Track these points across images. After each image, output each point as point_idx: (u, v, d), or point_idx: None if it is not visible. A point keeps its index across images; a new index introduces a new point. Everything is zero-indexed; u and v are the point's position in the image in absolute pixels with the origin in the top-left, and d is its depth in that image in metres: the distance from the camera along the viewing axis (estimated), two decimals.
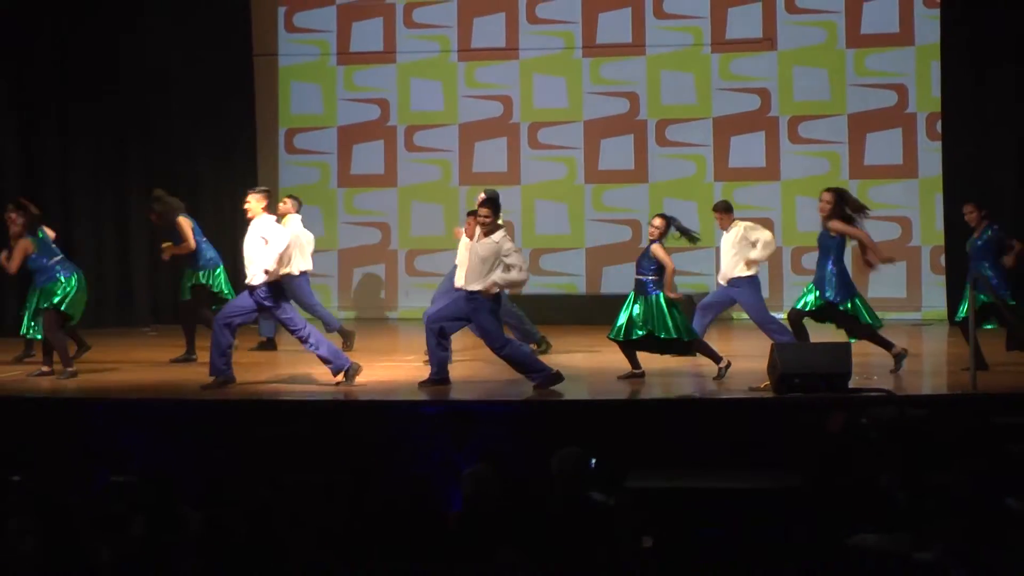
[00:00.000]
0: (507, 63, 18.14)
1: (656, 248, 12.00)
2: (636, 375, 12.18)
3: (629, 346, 12.15)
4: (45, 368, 12.81)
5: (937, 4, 16.71)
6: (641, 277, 12.08)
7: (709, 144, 17.76)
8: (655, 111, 17.87)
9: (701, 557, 6.32)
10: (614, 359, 13.32)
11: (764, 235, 12.86)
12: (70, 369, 12.58)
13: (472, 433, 10.56)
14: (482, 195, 12.86)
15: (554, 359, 13.62)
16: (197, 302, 13.93)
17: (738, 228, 12.89)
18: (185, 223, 13.87)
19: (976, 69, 15.65)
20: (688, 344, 12.11)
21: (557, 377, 11.52)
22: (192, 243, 13.81)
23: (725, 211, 13.14)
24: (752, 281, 12.80)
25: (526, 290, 17.80)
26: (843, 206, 12.08)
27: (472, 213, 13.25)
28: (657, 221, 12.16)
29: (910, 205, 17.21)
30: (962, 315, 12.14)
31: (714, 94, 17.76)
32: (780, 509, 8.45)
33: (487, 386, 12.09)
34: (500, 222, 11.80)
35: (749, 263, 12.75)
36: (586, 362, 13.76)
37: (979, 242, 12.53)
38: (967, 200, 12.94)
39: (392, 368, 13.27)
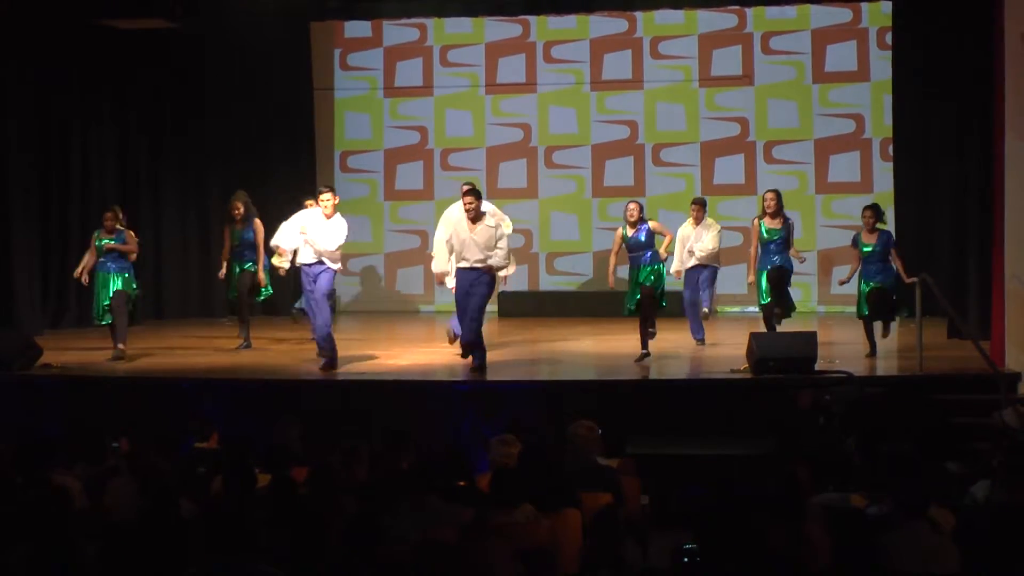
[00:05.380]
0: (527, 96, 18.11)
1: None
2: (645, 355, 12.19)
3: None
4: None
5: (889, 47, 16.64)
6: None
7: (697, 164, 17.71)
8: (651, 136, 17.82)
9: (689, 512, 6.31)
10: (617, 345, 13.33)
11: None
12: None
13: (498, 407, 10.59)
14: (465, 186, 12.58)
15: (567, 346, 13.65)
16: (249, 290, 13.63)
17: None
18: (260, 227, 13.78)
19: (922, 101, 15.58)
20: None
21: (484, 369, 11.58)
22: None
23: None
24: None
25: (543, 286, 17.95)
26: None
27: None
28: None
29: None
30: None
31: (701, 122, 17.69)
32: (757, 471, 8.44)
33: (511, 368, 12.10)
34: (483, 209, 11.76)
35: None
36: (593, 348, 13.75)
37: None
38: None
39: (430, 353, 13.27)
